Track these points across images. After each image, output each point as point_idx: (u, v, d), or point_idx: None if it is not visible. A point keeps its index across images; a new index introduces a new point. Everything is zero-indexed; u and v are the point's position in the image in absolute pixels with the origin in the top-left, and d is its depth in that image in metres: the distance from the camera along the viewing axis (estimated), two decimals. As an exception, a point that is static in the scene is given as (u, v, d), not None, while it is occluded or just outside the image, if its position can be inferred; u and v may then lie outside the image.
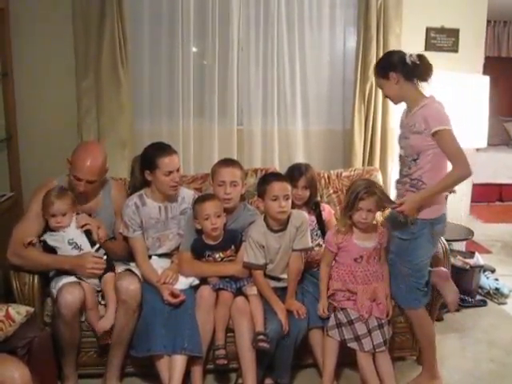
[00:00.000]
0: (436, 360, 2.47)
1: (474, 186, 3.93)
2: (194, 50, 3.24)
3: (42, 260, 2.33)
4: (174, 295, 2.35)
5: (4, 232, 2.43)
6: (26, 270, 2.33)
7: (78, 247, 2.38)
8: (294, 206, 2.52)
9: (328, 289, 2.40)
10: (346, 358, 2.39)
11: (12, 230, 2.39)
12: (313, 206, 2.70)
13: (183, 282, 2.47)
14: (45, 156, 3.15)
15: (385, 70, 2.31)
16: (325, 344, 2.36)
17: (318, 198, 2.82)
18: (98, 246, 2.43)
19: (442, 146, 2.21)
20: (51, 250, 2.36)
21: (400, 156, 2.41)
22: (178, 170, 2.50)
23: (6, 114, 3.09)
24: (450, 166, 2.29)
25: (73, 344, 2.34)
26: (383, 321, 2.31)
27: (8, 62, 3.04)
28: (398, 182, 2.44)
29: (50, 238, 2.37)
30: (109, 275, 2.38)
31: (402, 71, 2.27)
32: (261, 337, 2.26)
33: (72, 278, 2.33)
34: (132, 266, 2.52)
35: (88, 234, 2.41)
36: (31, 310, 2.05)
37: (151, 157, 2.48)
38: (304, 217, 2.48)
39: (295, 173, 2.64)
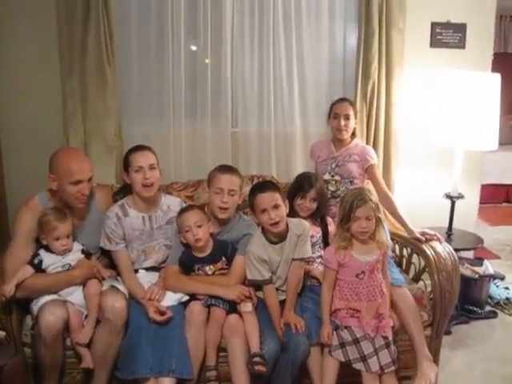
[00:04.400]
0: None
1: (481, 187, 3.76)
2: (185, 48, 3.10)
3: (44, 284, 2.24)
4: (160, 312, 2.25)
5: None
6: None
7: (70, 267, 2.32)
8: (298, 217, 2.49)
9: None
10: (346, 378, 2.27)
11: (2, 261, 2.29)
12: (318, 218, 2.63)
13: (171, 298, 2.36)
14: (30, 161, 3.03)
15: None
16: (324, 363, 2.25)
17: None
18: None
19: None
20: (36, 265, 2.26)
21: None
22: (151, 168, 2.42)
23: (-12, 118, 2.97)
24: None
25: (55, 367, 2.23)
26: (390, 339, 2.22)
27: (-12, 63, 2.91)
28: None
29: (47, 257, 2.29)
30: (93, 281, 2.30)
31: None
32: (257, 359, 2.15)
33: (54, 296, 2.24)
34: (120, 281, 2.42)
35: (85, 254, 2.37)
36: (1, 334, 1.96)
37: (125, 157, 2.48)
38: (305, 225, 2.40)
39: (304, 184, 2.58)
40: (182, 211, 2.42)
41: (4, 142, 3.04)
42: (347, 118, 2.81)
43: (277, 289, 2.37)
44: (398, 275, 2.51)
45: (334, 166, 2.85)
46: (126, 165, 2.45)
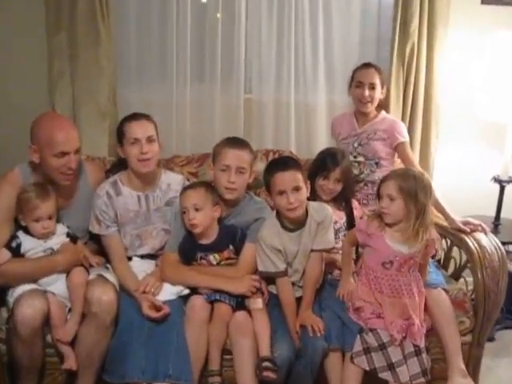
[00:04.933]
0: None
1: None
2: (192, -1, 3.02)
3: (23, 270, 2.19)
4: (156, 308, 2.21)
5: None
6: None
7: (52, 252, 2.25)
8: (319, 200, 2.46)
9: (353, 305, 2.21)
10: None
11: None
12: (342, 202, 2.57)
13: (169, 291, 2.31)
14: (12, 129, 2.93)
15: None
16: (345, 371, 2.18)
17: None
18: None
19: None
20: (14, 249, 2.20)
21: None
22: (149, 140, 2.36)
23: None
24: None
25: (33, 367, 2.20)
26: (421, 346, 2.14)
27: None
28: None
29: (27, 241, 2.22)
30: (78, 269, 2.23)
31: None
32: (266, 364, 2.10)
33: (33, 286, 2.18)
34: (109, 268, 2.39)
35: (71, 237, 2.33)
36: None
37: (119, 126, 2.42)
38: (327, 210, 2.33)
39: (328, 161, 2.50)
40: (185, 189, 2.37)
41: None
42: (372, 87, 2.71)
43: (292, 284, 2.31)
44: (435, 274, 2.41)
45: (356, 144, 2.77)
46: (120, 136, 2.38)
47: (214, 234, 2.35)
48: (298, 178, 2.21)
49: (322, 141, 3.13)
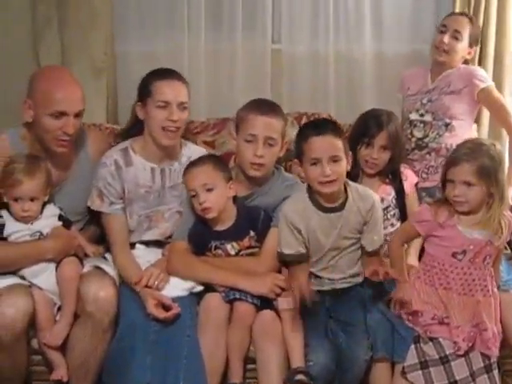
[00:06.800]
0: None
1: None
2: None
3: (6, 255, 2.21)
4: (163, 306, 2.22)
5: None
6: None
7: (41, 236, 2.28)
8: (360, 175, 2.50)
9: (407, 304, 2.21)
10: None
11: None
12: (390, 175, 2.57)
13: (179, 286, 2.33)
14: None
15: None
16: None
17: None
18: None
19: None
20: None
21: None
22: (181, 107, 2.39)
23: None
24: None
25: (16, 378, 2.24)
26: (492, 361, 2.13)
27: None
28: None
29: (11, 222, 2.25)
30: (70, 259, 2.25)
31: None
32: (300, 377, 2.11)
33: (16, 279, 2.20)
34: (108, 259, 2.41)
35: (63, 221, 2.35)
36: None
37: (144, 81, 2.43)
38: (374, 197, 2.35)
39: (371, 124, 2.51)
40: (188, 167, 2.36)
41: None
42: (456, 36, 2.74)
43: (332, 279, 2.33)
44: (507, 274, 2.38)
45: (425, 101, 2.75)
46: (145, 93, 2.39)
47: (232, 218, 2.36)
48: (336, 145, 2.20)
49: (369, 102, 3.11)
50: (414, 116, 2.70)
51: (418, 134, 2.68)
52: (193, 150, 2.54)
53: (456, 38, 2.69)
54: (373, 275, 2.17)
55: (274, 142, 2.35)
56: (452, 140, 2.59)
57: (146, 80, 2.42)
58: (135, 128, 2.49)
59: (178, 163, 2.48)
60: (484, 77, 2.71)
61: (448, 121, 2.68)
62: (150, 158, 2.44)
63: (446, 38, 2.69)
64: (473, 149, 2.11)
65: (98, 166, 2.40)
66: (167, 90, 2.34)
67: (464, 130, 2.67)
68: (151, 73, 2.44)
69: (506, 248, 2.21)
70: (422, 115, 2.71)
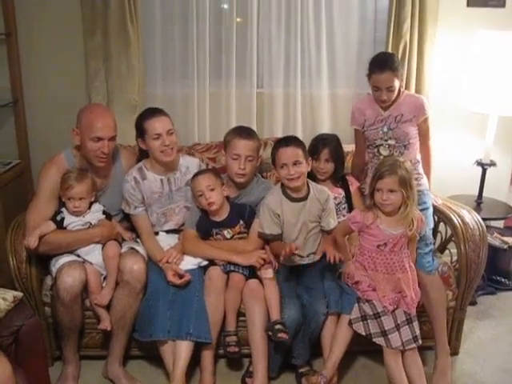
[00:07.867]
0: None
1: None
2: (210, 4, 2.88)
3: (65, 239, 2.18)
4: (179, 275, 2.20)
5: (12, 200, 2.39)
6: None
7: (90, 225, 2.25)
8: (316, 180, 2.41)
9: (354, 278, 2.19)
10: (355, 347, 2.20)
11: (26, 213, 2.23)
12: (339, 180, 2.52)
13: (190, 262, 2.29)
14: (53, 121, 2.91)
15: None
16: (338, 331, 2.17)
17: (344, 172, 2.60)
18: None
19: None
20: (58, 222, 2.20)
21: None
22: (169, 133, 2.30)
23: (11, 77, 2.82)
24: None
25: (73, 328, 2.19)
26: (412, 315, 2.12)
27: (11, 21, 2.74)
28: None
29: (69, 216, 2.23)
30: (112, 243, 2.23)
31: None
32: (278, 326, 2.09)
33: (73, 257, 2.18)
34: (140, 243, 2.37)
35: (106, 215, 2.31)
36: (19, 295, 1.82)
37: (139, 122, 2.34)
38: (328, 192, 2.31)
39: (318, 144, 2.46)
40: (194, 176, 2.33)
41: (27, 102, 2.91)
42: (390, 89, 2.34)
43: (302, 256, 2.28)
44: (432, 260, 2.33)
45: (385, 129, 2.45)
46: (142, 132, 2.31)
47: (226, 211, 2.32)
48: (298, 153, 2.18)
49: (326, 129, 3.02)
50: (379, 142, 2.47)
51: (384, 152, 2.47)
52: (188, 161, 2.47)
53: (391, 91, 2.35)
54: (327, 255, 2.15)
55: (253, 158, 2.33)
56: (410, 156, 2.42)
57: (139, 122, 2.33)
58: (145, 153, 2.41)
59: (179, 172, 2.41)
60: (427, 107, 2.45)
61: (406, 143, 2.44)
62: (158, 172, 2.37)
63: (383, 95, 2.35)
64: (392, 165, 2.04)
65: (123, 182, 2.33)
66: (156, 125, 2.26)
67: (416, 147, 2.49)
68: (142, 114, 2.36)
69: (416, 236, 2.14)
70: (386, 140, 2.45)
